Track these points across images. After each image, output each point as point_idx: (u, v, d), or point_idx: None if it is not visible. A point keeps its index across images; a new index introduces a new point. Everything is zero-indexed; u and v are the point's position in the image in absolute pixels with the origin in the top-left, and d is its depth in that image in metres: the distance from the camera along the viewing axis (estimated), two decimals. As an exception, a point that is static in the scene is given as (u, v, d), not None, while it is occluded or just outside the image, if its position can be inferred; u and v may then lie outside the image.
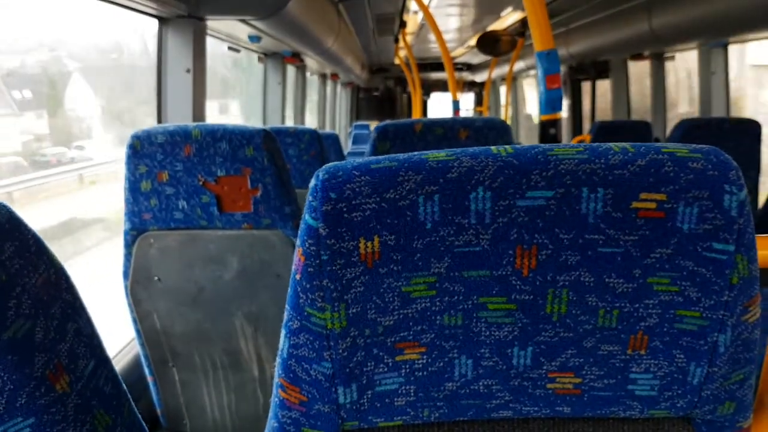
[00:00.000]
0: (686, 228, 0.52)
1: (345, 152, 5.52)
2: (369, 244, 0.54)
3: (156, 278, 1.67)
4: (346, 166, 0.55)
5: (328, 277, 0.54)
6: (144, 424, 0.71)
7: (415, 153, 0.55)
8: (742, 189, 0.52)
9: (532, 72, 8.63)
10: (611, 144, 0.55)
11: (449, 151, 0.55)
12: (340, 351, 0.56)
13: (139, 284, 1.68)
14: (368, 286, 0.55)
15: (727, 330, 0.55)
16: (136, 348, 1.90)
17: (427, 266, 0.54)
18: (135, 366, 2.07)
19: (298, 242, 0.55)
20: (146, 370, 1.83)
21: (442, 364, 0.57)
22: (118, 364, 2.10)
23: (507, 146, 0.55)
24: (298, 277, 0.55)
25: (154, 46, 2.58)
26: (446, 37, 7.82)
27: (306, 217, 0.54)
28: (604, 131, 3.74)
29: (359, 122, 10.04)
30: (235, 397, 1.86)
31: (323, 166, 0.55)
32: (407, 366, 0.57)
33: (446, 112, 13.53)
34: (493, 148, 0.55)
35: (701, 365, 0.56)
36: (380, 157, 0.55)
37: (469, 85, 13.95)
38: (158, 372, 1.82)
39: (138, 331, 1.75)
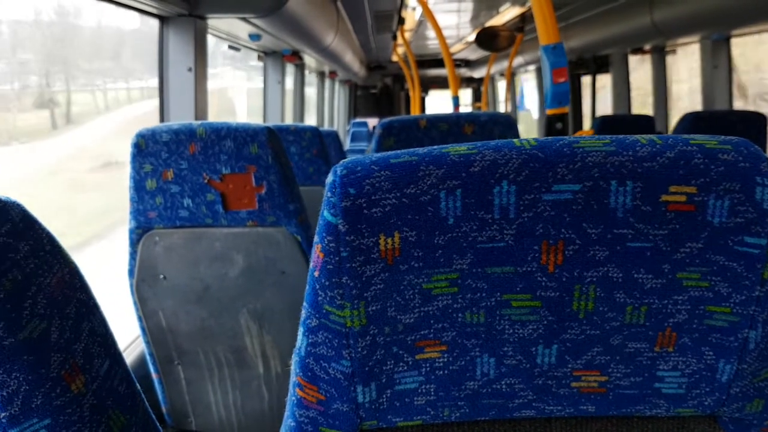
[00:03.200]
0: (717, 221, 0.51)
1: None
2: (389, 240, 0.52)
3: (161, 276, 1.66)
4: (365, 161, 0.53)
5: (348, 275, 0.53)
6: (158, 424, 0.70)
7: (436, 147, 0.54)
8: None
9: (531, 67, 8.61)
10: (637, 136, 0.53)
11: (471, 144, 0.53)
12: (360, 349, 0.55)
13: (144, 282, 1.67)
14: (388, 284, 0.53)
15: (758, 326, 0.53)
16: (141, 346, 1.90)
17: (449, 263, 0.53)
18: (140, 364, 2.06)
19: (316, 239, 0.54)
20: (151, 368, 1.83)
21: (463, 362, 0.56)
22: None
23: (530, 139, 0.53)
24: (316, 274, 0.54)
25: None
26: (444, 33, 7.80)
27: (324, 213, 0.53)
28: (606, 126, 3.73)
29: (357, 120, 10.03)
30: (240, 394, 1.86)
31: (341, 162, 0.54)
32: (428, 365, 0.56)
33: (444, 109, 13.52)
34: (516, 141, 0.53)
35: (731, 362, 0.54)
36: (400, 151, 0.54)
37: (467, 81, 13.90)
38: (164, 370, 1.82)
39: (143, 329, 1.75)
